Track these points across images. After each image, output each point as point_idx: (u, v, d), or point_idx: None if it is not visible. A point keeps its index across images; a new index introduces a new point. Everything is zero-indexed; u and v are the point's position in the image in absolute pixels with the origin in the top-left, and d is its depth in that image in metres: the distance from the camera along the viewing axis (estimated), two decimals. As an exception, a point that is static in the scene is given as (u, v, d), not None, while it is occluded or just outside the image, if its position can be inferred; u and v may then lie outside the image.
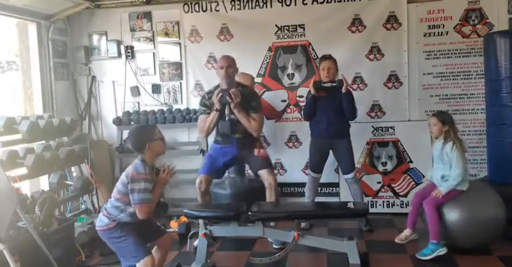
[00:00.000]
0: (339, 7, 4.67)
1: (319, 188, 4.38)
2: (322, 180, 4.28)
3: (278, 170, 4.86)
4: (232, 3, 4.84)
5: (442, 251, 3.29)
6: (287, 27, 4.78)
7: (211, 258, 3.40)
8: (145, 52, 5.09)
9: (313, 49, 4.75)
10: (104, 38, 5.14)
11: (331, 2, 4.68)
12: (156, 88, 5.09)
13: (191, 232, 3.77)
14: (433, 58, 4.58)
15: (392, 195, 4.55)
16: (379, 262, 3.29)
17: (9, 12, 4.22)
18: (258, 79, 4.82)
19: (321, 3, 4.69)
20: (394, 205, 4.54)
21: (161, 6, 5.00)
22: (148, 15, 5.03)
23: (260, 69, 4.85)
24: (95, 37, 5.17)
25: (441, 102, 4.58)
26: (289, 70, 4.83)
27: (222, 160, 3.73)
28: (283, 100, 4.86)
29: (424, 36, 4.57)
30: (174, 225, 4.22)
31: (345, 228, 4.10)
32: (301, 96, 4.72)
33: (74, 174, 4.59)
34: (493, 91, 3.97)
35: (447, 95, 4.58)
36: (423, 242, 3.48)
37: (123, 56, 5.08)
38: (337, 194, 4.66)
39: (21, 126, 3.74)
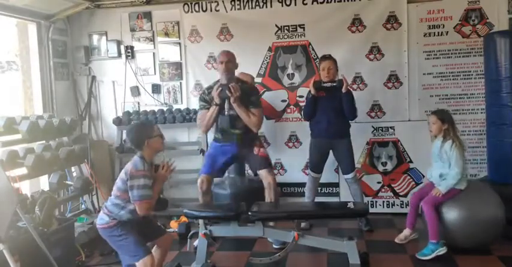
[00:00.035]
0: (339, 7, 4.66)
1: (319, 188, 4.38)
2: (322, 180, 4.28)
3: (278, 170, 4.86)
4: (232, 3, 4.84)
5: (442, 250, 3.29)
6: (287, 27, 4.78)
7: (211, 258, 3.40)
8: (145, 52, 5.09)
9: (313, 49, 4.75)
10: (104, 38, 5.14)
11: (331, 2, 4.68)
12: (156, 88, 5.09)
13: (191, 232, 3.78)
14: (433, 58, 4.58)
15: (392, 195, 4.55)
16: (379, 262, 3.29)
17: (9, 12, 4.21)
18: (258, 79, 4.82)
19: (321, 3, 4.69)
20: (394, 205, 4.54)
21: (161, 6, 4.99)
22: (148, 15, 5.03)
23: (260, 69, 4.85)
24: (95, 37, 5.17)
25: (441, 102, 4.57)
26: (289, 70, 4.83)
27: (222, 159, 3.72)
28: (283, 100, 4.86)
29: (424, 36, 4.57)
30: (174, 225, 4.23)
31: (345, 228, 4.10)
32: (301, 96, 4.72)
33: (74, 174, 4.59)
34: (493, 91, 3.97)
35: (447, 95, 4.58)
36: (423, 242, 3.48)
37: (123, 56, 5.07)
38: (337, 194, 4.66)
39: (21, 126, 3.74)
